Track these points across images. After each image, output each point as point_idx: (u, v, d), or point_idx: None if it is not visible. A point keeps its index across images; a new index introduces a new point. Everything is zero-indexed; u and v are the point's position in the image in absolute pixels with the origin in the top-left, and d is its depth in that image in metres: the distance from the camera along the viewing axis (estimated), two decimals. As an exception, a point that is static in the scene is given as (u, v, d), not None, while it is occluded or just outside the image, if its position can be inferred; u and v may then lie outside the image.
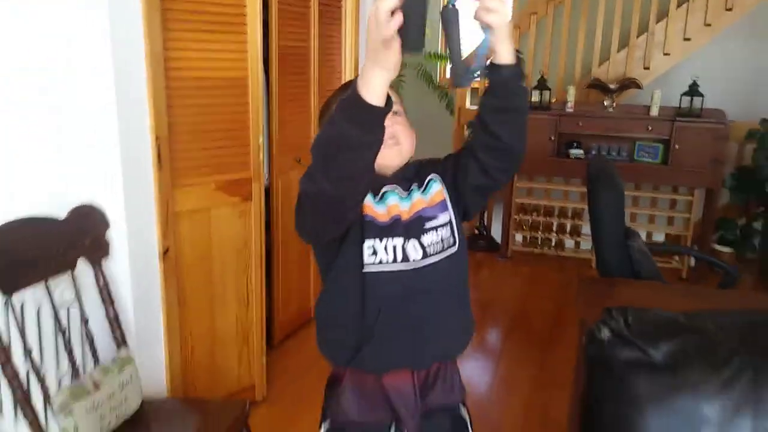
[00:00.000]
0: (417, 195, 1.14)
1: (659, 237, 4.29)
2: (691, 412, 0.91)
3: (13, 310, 1.49)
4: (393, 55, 0.86)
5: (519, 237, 4.53)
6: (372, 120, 0.91)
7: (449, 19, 0.90)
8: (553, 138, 4.03)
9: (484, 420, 2.41)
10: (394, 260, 1.09)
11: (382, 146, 0.96)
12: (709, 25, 4.02)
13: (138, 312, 1.86)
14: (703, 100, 3.79)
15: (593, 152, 4.07)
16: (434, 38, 5.13)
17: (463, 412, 1.22)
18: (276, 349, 2.87)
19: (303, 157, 2.85)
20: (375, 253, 1.09)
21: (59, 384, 1.67)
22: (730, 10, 3.97)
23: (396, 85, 1.12)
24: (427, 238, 1.11)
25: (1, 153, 1.76)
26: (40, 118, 1.73)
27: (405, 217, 1.12)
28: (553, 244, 4.43)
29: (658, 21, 4.12)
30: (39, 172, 1.76)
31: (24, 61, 1.70)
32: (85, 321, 1.68)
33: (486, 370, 2.88)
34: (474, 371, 2.84)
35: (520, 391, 2.66)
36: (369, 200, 1.11)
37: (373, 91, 0.88)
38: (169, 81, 1.87)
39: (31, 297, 1.62)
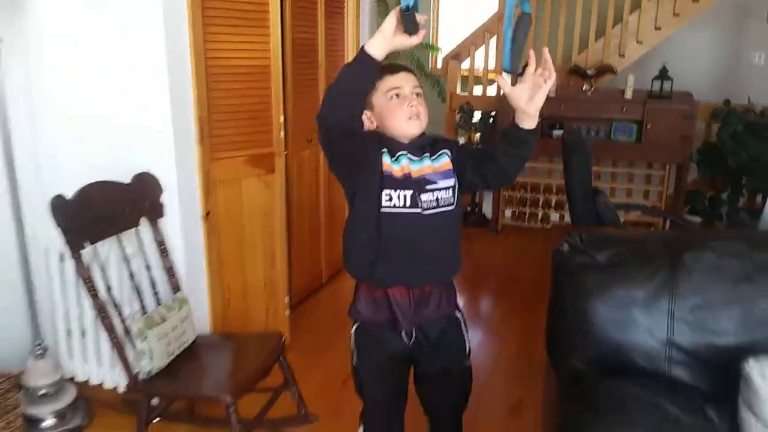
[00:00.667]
0: (427, 161, 1.50)
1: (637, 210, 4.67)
2: (624, 296, 1.27)
3: (98, 256, 1.84)
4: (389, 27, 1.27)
5: (508, 212, 4.90)
6: (370, 64, 1.29)
7: (525, 23, 1.26)
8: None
9: (481, 365, 2.78)
10: (404, 206, 1.45)
11: (408, 118, 1.38)
12: (677, 15, 4.40)
13: (188, 265, 2.22)
14: (672, 83, 4.17)
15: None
16: (428, 29, 5.48)
17: (457, 314, 1.60)
18: (294, 310, 3.22)
19: (312, 137, 3.21)
20: (390, 199, 1.45)
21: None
22: (696, 1, 4.35)
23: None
24: (425, 196, 1.47)
25: (83, 130, 2.14)
26: (112, 102, 2.10)
27: (414, 175, 1.48)
28: (539, 218, 4.81)
29: (631, 12, 4.48)
30: (110, 144, 2.12)
31: (101, 58, 2.07)
32: (147, 268, 2.04)
33: (480, 326, 3.25)
34: (470, 326, 3.22)
35: (510, 341, 3.03)
36: (387, 159, 1.46)
37: (375, 48, 1.28)
38: (208, 69, 2.21)
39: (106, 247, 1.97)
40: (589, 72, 4.37)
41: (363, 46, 1.29)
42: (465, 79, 5.15)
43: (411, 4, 1.22)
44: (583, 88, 4.40)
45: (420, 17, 1.26)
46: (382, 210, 1.44)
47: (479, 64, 4.92)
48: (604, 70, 4.36)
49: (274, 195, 2.59)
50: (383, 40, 1.28)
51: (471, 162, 1.50)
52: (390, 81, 1.45)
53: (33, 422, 2.16)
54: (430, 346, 1.58)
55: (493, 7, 4.91)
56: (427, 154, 1.49)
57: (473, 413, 2.26)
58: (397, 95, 1.44)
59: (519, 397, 2.50)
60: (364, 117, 1.47)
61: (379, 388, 1.62)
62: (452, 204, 1.49)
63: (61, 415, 2.21)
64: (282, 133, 2.59)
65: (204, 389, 1.89)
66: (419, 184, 1.46)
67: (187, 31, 2.09)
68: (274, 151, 2.55)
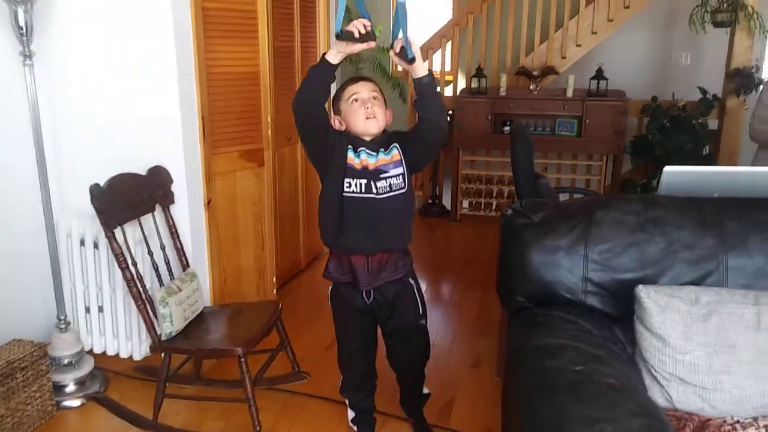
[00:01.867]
0: (381, 155, 1.88)
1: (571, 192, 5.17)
2: (552, 245, 1.69)
3: (124, 236, 2.18)
4: (342, 47, 1.69)
5: (466, 203, 5.34)
6: (327, 68, 1.71)
7: (403, 11, 1.65)
8: (489, 118, 4.86)
9: (444, 331, 3.21)
10: (360, 191, 1.84)
11: (365, 118, 1.79)
12: (611, 20, 4.93)
13: (193, 246, 2.57)
14: (607, 82, 4.69)
15: (523, 128, 4.92)
16: (387, 35, 5.89)
17: (410, 280, 2.02)
18: (277, 292, 3.58)
19: (292, 136, 3.57)
20: (350, 186, 1.84)
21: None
22: (627, 7, 4.88)
23: (375, 79, 1.90)
24: (380, 183, 1.85)
25: (107, 130, 2.51)
26: (129, 106, 2.46)
27: (370, 167, 1.86)
28: (493, 207, 5.27)
29: (571, 18, 5.00)
30: (127, 140, 2.48)
31: (119, 69, 2.44)
32: (162, 248, 2.38)
33: (442, 300, 3.69)
34: (432, 300, 3.65)
35: (469, 311, 3.46)
36: (351, 154, 1.84)
37: (332, 56, 1.70)
38: (208, 75, 2.57)
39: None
40: (534, 73, 4.85)
41: (324, 54, 1.72)
42: (424, 81, 5.58)
43: (338, 31, 1.66)
44: (530, 87, 4.89)
45: (358, 26, 1.65)
46: (344, 194, 1.84)
47: (437, 67, 5.36)
48: (548, 71, 4.86)
49: (263, 185, 2.95)
50: (337, 51, 1.71)
51: (411, 134, 1.88)
52: (351, 89, 1.84)
53: (57, 388, 2.47)
54: (387, 305, 2.00)
55: (448, 15, 5.36)
56: (383, 149, 1.87)
57: (439, 369, 2.70)
58: (356, 100, 1.81)
59: (477, 354, 2.93)
60: (334, 120, 1.88)
61: (347, 333, 2.08)
62: (403, 188, 1.87)
63: (81, 382, 2.54)
64: (269, 131, 2.95)
65: (219, 344, 2.24)
66: (374, 174, 1.83)
67: (192, 44, 2.45)
68: (263, 147, 2.91)
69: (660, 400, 1.56)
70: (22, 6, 2.10)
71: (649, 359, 1.57)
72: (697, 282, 1.67)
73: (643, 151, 4.65)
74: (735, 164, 4.51)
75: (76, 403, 2.47)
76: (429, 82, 1.77)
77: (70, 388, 2.51)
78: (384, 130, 1.91)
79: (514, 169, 2.56)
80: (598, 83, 4.69)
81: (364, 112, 1.79)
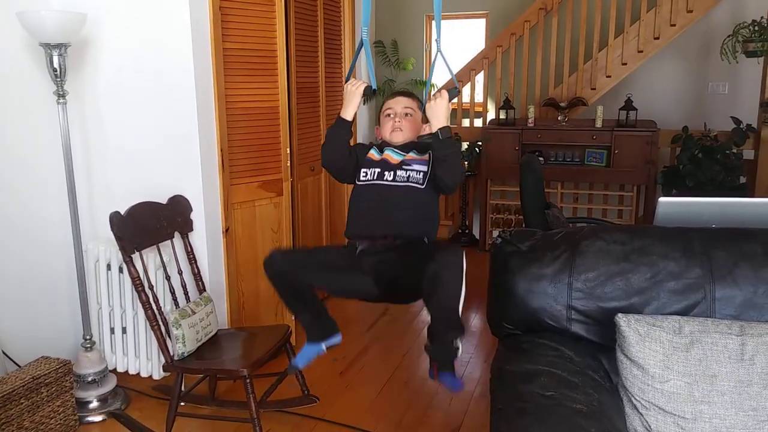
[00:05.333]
0: (412, 153, 1.99)
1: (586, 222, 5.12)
2: (537, 273, 1.72)
3: (143, 261, 2.33)
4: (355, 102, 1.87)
5: (495, 233, 5.36)
6: (345, 125, 1.89)
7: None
8: (517, 148, 4.90)
9: (460, 359, 3.21)
10: (373, 178, 1.95)
11: (391, 131, 1.96)
12: (641, 51, 4.92)
13: (211, 271, 2.70)
14: (636, 113, 4.67)
15: (552, 159, 4.93)
16: (421, 68, 6.04)
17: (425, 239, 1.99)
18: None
19: (315, 167, 3.71)
20: (366, 174, 1.97)
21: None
22: (657, 38, 4.87)
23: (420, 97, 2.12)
24: (400, 172, 1.95)
25: (134, 162, 2.71)
26: (154, 139, 2.65)
27: (392, 161, 1.96)
28: (523, 237, 5.26)
29: (600, 49, 5.01)
30: (149, 172, 2.66)
31: (143, 106, 2.64)
32: (180, 272, 2.52)
33: (465, 328, 3.69)
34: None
35: (488, 338, 3.46)
36: (373, 152, 1.99)
37: (348, 114, 1.89)
38: (228, 110, 2.73)
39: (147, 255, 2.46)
40: (561, 104, 4.87)
41: (339, 115, 1.91)
42: (454, 112, 5.68)
43: (375, 87, 1.92)
44: (558, 118, 4.90)
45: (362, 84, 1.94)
46: (358, 182, 1.98)
47: (466, 99, 5.44)
48: (576, 102, 4.87)
49: (281, 213, 3.08)
50: (352, 109, 1.90)
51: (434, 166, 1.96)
52: (388, 103, 2.03)
53: (82, 404, 2.62)
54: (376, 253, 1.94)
55: (477, 48, 5.46)
56: (416, 151, 1.99)
57: (447, 396, 2.71)
58: (388, 115, 2.00)
59: (488, 383, 2.93)
60: (376, 129, 2.07)
61: (326, 250, 2.20)
62: (421, 183, 1.94)
63: (104, 399, 2.68)
64: (288, 162, 3.09)
65: (225, 365, 2.34)
66: (395, 166, 1.93)
67: (212, 83, 2.61)
68: (282, 178, 3.04)
69: (640, 428, 1.55)
70: (56, 50, 2.31)
71: (630, 387, 1.57)
72: (684, 312, 1.66)
73: (674, 181, 4.58)
74: (772, 195, 4.39)
75: (98, 418, 2.61)
76: (443, 138, 1.84)
77: (94, 404, 2.65)
78: (418, 139, 2.03)
79: (522, 200, 2.60)
80: (627, 113, 4.67)
81: (392, 125, 1.98)
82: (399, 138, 1.99)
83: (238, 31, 2.75)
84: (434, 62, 2.03)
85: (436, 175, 1.91)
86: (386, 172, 1.94)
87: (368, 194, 1.95)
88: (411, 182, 1.93)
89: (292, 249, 2.23)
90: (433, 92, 1.91)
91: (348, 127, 1.93)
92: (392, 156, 1.98)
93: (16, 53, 2.50)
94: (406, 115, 1.99)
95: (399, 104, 1.99)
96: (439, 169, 1.87)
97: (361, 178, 1.96)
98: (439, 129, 1.82)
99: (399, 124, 1.97)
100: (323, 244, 3.89)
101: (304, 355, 2.07)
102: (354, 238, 1.98)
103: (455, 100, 5.59)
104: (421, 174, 1.95)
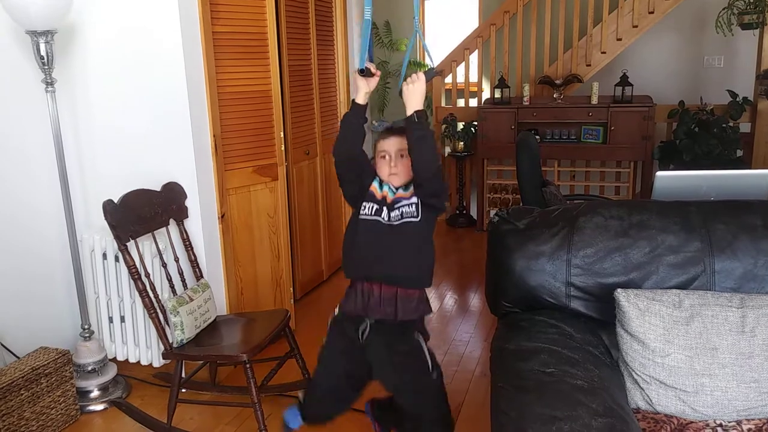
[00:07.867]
0: (401, 191, 1.94)
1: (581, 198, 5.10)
2: (535, 250, 1.71)
3: (138, 249, 2.31)
4: (364, 86, 1.81)
5: (492, 212, 5.34)
6: (359, 110, 1.83)
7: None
8: (513, 127, 4.86)
9: (459, 339, 3.22)
10: (370, 214, 1.89)
11: (390, 173, 1.87)
12: (636, 26, 4.87)
13: (208, 257, 2.68)
14: (632, 88, 4.63)
15: (548, 137, 4.90)
16: (415, 50, 5.98)
17: (419, 338, 1.92)
18: (298, 302, 3.68)
19: (310, 151, 3.68)
20: (365, 208, 1.91)
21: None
22: (652, 12, 4.82)
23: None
24: (393, 213, 1.90)
25: (125, 150, 2.66)
26: (144, 126, 2.61)
27: (388, 199, 1.92)
28: (521, 216, 5.25)
29: (594, 25, 4.96)
30: (142, 160, 2.62)
31: (133, 91, 2.59)
32: (176, 260, 2.50)
33: (464, 309, 3.70)
34: (456, 309, 3.67)
35: (488, 318, 3.47)
36: (375, 183, 1.92)
37: (360, 98, 1.82)
38: (220, 95, 2.69)
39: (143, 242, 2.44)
40: (557, 82, 4.83)
41: (353, 99, 1.86)
42: (449, 93, 5.64)
43: (362, 66, 1.81)
44: (554, 96, 4.87)
45: (371, 66, 1.83)
46: (359, 216, 1.91)
47: (461, 79, 5.40)
48: (571, 79, 4.83)
49: (277, 198, 3.06)
50: (361, 91, 1.84)
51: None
52: (381, 145, 1.93)
53: (82, 393, 2.62)
54: (382, 348, 1.91)
55: (470, 27, 5.40)
56: (404, 187, 1.92)
57: (450, 376, 2.71)
58: (383, 157, 1.91)
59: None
60: (373, 162, 1.97)
61: (328, 366, 2.04)
62: (416, 216, 1.87)
63: (104, 388, 2.68)
64: (282, 146, 3.06)
65: (224, 350, 2.33)
66: (390, 205, 1.89)
67: (202, 66, 2.58)
68: (276, 162, 3.02)
69: (641, 402, 1.55)
70: (43, 38, 2.27)
71: (630, 362, 1.57)
72: (684, 285, 1.66)
73: (671, 156, 4.56)
74: (768, 167, 4.37)
75: (99, 407, 2.61)
76: (416, 121, 1.81)
77: (95, 393, 2.65)
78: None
79: (518, 177, 2.58)
80: (623, 89, 4.64)
81: (388, 169, 1.91)
82: (396, 182, 1.92)
83: (228, 14, 2.70)
84: (411, 41, 2.08)
85: (412, 167, 1.86)
86: (384, 210, 1.89)
87: (366, 229, 1.89)
88: (405, 218, 1.88)
89: (310, 401, 2.15)
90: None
91: (361, 111, 1.86)
92: (389, 195, 1.92)
93: (2, 43, 2.46)
94: (402, 156, 1.92)
95: (393, 146, 1.91)
96: (413, 154, 1.84)
97: (362, 213, 1.90)
98: (414, 111, 1.79)
99: (395, 168, 1.91)
100: (319, 229, 3.88)
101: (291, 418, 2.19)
102: (353, 274, 1.95)
103: (448, 80, 5.60)
104: (413, 206, 1.89)
